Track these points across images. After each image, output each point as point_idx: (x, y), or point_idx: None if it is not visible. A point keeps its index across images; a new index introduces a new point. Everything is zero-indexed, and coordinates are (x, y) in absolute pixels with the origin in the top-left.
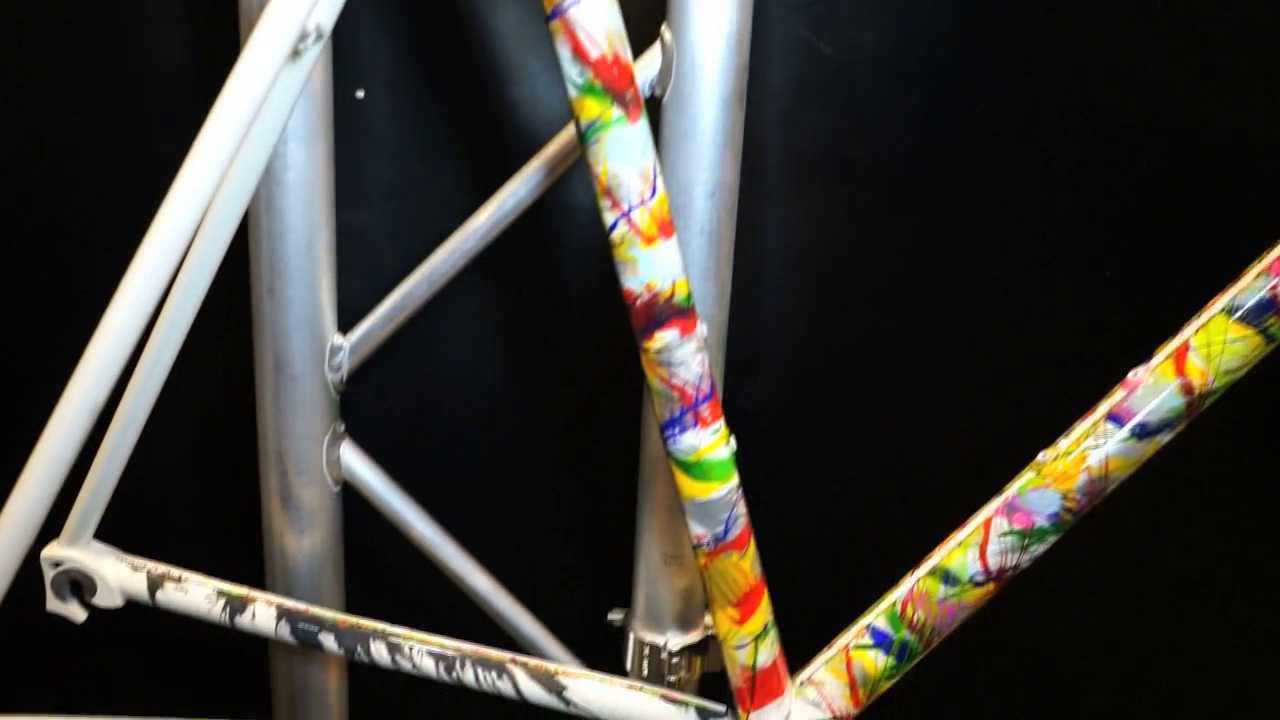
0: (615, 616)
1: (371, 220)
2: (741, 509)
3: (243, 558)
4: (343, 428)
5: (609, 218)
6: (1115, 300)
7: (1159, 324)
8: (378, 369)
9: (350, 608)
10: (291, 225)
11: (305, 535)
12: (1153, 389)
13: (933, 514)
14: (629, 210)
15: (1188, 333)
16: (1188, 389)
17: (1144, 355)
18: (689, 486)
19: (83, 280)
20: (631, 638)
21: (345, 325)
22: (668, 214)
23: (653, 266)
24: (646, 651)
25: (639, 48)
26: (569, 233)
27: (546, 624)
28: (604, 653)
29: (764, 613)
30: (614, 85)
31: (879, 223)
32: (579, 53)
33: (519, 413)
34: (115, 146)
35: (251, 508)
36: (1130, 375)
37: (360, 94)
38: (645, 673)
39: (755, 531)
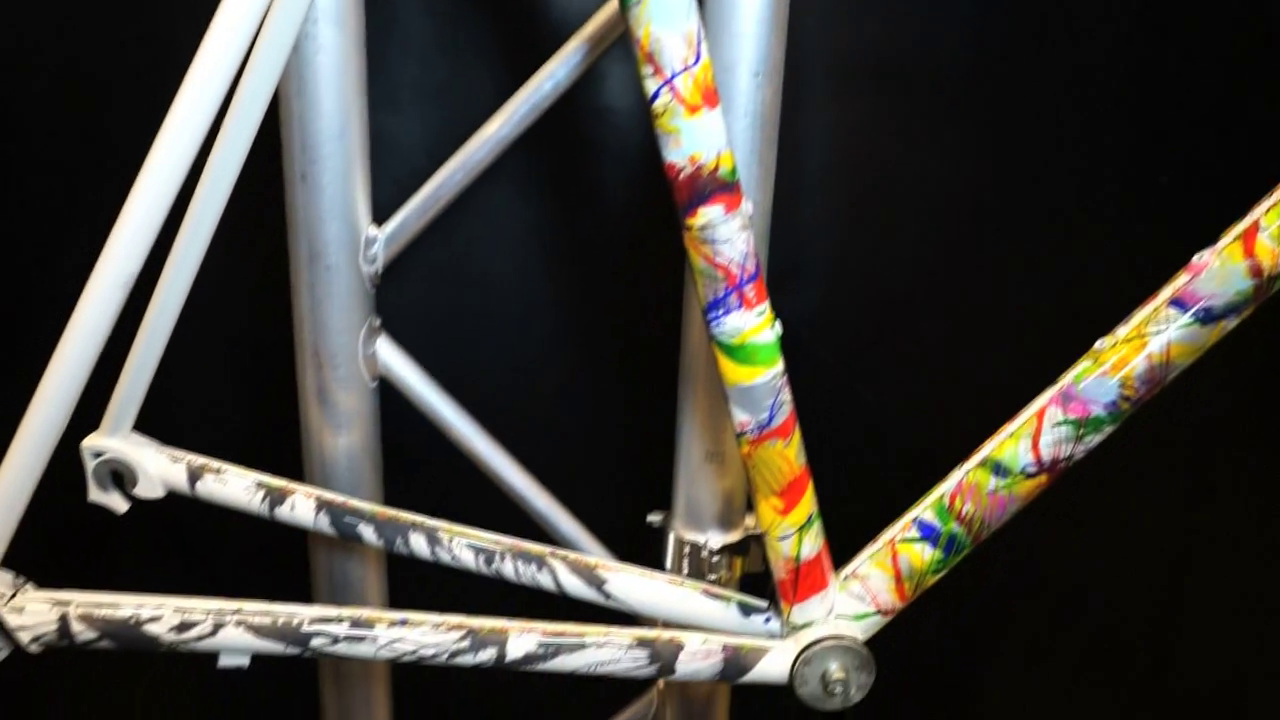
0: (654, 518)
1: (404, 125)
2: (786, 395)
3: (280, 455)
4: (378, 322)
5: (651, 85)
6: (1164, 206)
7: (1209, 231)
8: (413, 267)
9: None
10: (324, 109)
11: (343, 432)
12: (1219, 272)
13: (975, 427)
14: (672, 77)
15: (1258, 212)
16: (1256, 270)
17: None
18: (733, 371)
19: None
20: (671, 536)
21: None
22: (712, 82)
23: (696, 137)
24: (687, 550)
25: None
26: (603, 135)
27: (584, 525)
28: (642, 556)
29: (808, 503)
30: None
31: (921, 129)
32: None
33: (556, 310)
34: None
35: (289, 405)
36: (1195, 258)
37: None
38: (685, 572)
39: None
